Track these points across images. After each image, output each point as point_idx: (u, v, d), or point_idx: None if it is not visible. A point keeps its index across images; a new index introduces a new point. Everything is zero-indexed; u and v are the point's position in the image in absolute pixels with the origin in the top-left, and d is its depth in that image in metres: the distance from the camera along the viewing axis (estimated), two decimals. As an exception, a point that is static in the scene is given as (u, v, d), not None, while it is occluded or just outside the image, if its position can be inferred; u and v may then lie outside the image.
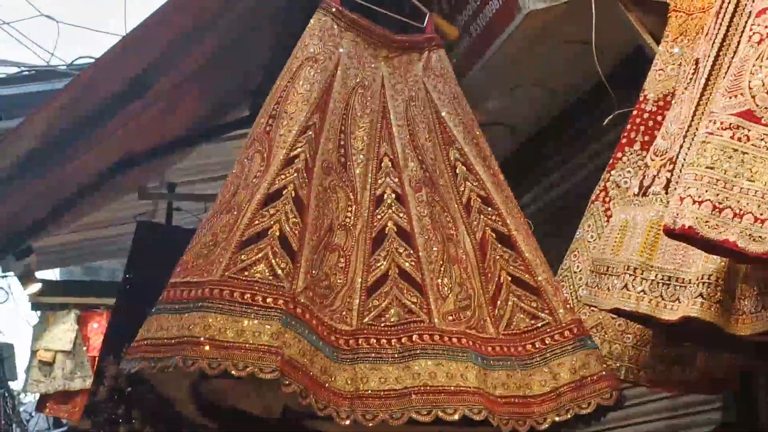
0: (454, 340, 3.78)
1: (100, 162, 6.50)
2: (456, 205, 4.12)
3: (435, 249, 3.94)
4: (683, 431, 5.03)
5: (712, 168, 3.11)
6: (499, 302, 3.99)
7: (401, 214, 3.98)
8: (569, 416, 3.83)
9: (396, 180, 4.05)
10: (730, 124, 3.12)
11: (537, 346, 3.93)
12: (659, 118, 4.40)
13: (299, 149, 3.88)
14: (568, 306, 4.04)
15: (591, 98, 5.33)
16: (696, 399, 4.88)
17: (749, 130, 3.10)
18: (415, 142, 4.16)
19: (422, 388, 3.66)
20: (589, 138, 5.55)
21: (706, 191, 3.09)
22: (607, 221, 4.40)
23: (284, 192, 3.79)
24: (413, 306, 3.81)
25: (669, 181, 3.68)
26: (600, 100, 4.92)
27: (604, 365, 3.94)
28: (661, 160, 3.78)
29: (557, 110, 6.00)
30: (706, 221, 3.06)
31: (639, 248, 3.67)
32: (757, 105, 3.11)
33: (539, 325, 3.97)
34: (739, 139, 3.10)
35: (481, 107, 4.88)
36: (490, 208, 4.13)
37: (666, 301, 3.57)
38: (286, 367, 3.51)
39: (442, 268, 3.91)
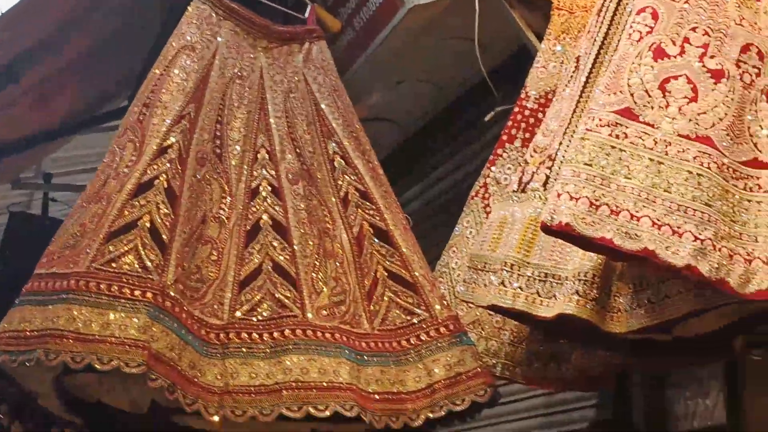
0: (327, 335, 3.67)
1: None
2: (333, 199, 4.00)
3: (311, 243, 3.82)
4: (558, 428, 4.97)
5: (589, 165, 3.04)
6: (374, 297, 3.88)
7: (277, 207, 3.85)
8: (443, 413, 3.75)
9: (273, 172, 3.92)
10: (609, 121, 3.06)
11: (412, 342, 3.84)
12: (540, 115, 4.34)
13: (173, 139, 3.74)
14: (444, 302, 3.95)
15: (476, 94, 5.24)
16: (572, 396, 4.82)
17: (627, 128, 3.04)
18: (293, 135, 4.04)
19: (293, 383, 3.54)
20: (473, 134, 5.46)
21: (584, 188, 3.02)
22: (486, 217, 4.33)
23: (156, 182, 3.65)
24: (286, 300, 3.69)
25: (548, 177, 3.61)
26: (485, 96, 4.85)
27: (479, 362, 3.87)
28: (540, 156, 3.72)
29: (443, 105, 5.83)
30: (583, 218, 2.99)
31: (516, 244, 3.60)
32: (636, 103, 3.05)
33: (415, 321, 3.87)
34: (617, 137, 3.04)
35: (366, 101, 4.76)
36: (368, 203, 4.02)
37: (542, 298, 3.51)
38: (153, 361, 3.36)
39: (317, 263, 3.80)
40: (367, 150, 4.15)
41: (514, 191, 3.76)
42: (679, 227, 2.93)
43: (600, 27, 3.71)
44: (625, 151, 3.03)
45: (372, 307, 3.86)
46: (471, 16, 4.50)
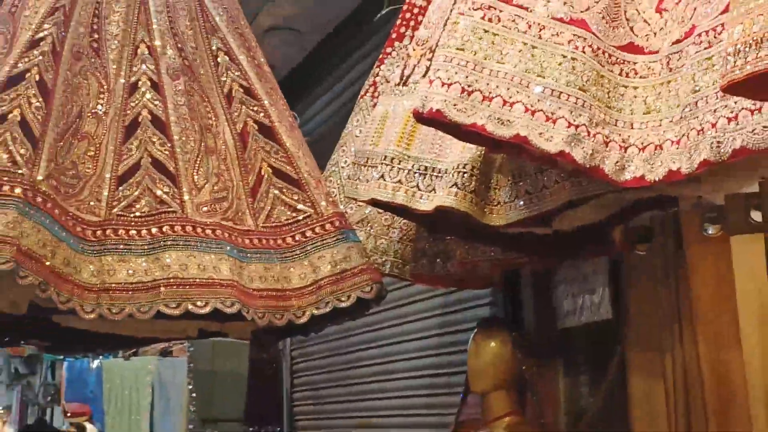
0: (208, 231, 3.44)
1: None
2: (217, 96, 3.75)
3: (191, 139, 3.57)
4: (454, 326, 4.81)
5: (462, 50, 2.83)
6: (259, 194, 3.65)
7: (156, 102, 3.59)
8: (328, 309, 3.55)
9: (152, 67, 3.65)
10: (482, 4, 2.85)
11: (297, 238, 3.62)
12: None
13: (46, 31, 3.46)
14: (330, 199, 3.74)
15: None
16: (466, 295, 4.67)
17: (501, 11, 2.84)
18: (174, 30, 3.76)
19: (172, 280, 3.31)
20: (376, 42, 5.21)
21: (456, 73, 2.81)
22: (360, 115, 4.13)
23: (27, 75, 3.37)
24: (165, 196, 3.45)
25: (428, 69, 3.38)
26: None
27: (366, 258, 3.67)
28: (422, 49, 3.49)
29: (345, 13, 5.59)
30: (455, 104, 2.78)
31: (396, 138, 3.39)
32: (510, -15, 2.83)
33: (300, 217, 3.66)
34: (490, 20, 2.83)
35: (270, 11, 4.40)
36: (252, 99, 3.78)
37: (422, 192, 3.31)
38: (23, 257, 3.11)
39: (198, 159, 3.56)
40: (252, 47, 3.90)
41: (396, 85, 3.55)
42: (552, 113, 2.73)
43: None
44: (498, 35, 2.82)
45: (256, 204, 3.63)
46: None
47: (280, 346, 7.32)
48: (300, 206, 3.66)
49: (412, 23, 4.13)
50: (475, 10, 2.84)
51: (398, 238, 3.94)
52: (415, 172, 3.33)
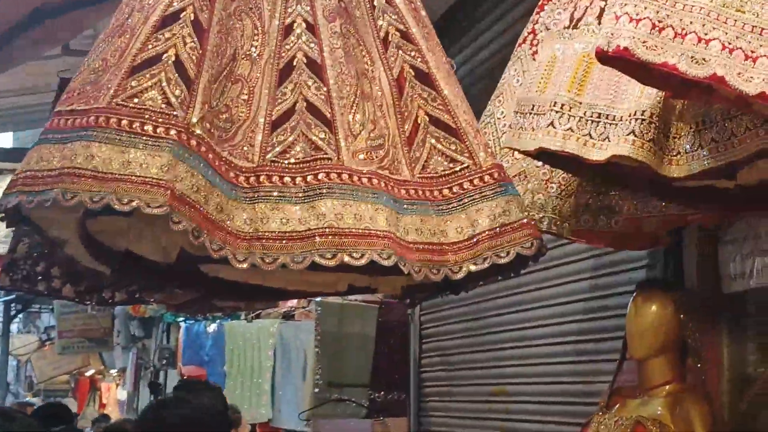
0: (365, 180, 3.27)
1: (10, 12, 5.82)
2: (373, 39, 3.57)
3: (347, 84, 3.40)
4: (605, 290, 4.58)
5: (654, -19, 2.59)
6: (415, 143, 3.47)
7: (312, 45, 3.43)
8: (486, 265, 3.36)
9: (308, 8, 3.48)
10: (676, -68, 2.60)
11: (455, 190, 3.43)
12: (594, -44, 3.88)
13: None
14: (489, 150, 3.54)
15: None
16: (619, 257, 4.43)
17: (695, -61, 2.59)
18: (331, -29, 3.59)
19: (327, 229, 3.15)
20: None
21: (645, 8, 2.59)
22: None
23: (182, 15, 3.24)
24: (320, 142, 3.28)
25: (602, 10, 3.17)
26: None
27: (525, 213, 3.47)
28: (595, -11, 3.27)
29: None
30: (644, 41, 2.56)
31: (567, 83, 3.18)
32: None
33: (457, 168, 3.47)
34: (684, -50, 2.58)
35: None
36: (409, 44, 3.59)
37: (595, 140, 3.10)
38: (177, 202, 2.99)
39: (354, 104, 3.38)
40: (408, -11, 3.71)
41: (565, 28, 3.33)
42: (753, 51, 2.50)
43: None
44: (692, -35, 2.58)
45: (412, 154, 3.45)
46: None
47: (408, 310, 7.17)
48: (458, 157, 3.47)
49: (574, -33, 3.90)
50: (668, -62, 2.61)
51: (557, 193, 3.72)
52: (588, 119, 3.11)
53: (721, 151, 2.87)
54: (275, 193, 3.20)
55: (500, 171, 3.48)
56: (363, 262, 3.12)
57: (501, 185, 3.45)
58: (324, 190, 3.20)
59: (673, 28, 2.55)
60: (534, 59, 3.91)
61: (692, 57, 2.52)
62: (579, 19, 3.26)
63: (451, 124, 3.50)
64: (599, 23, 3.16)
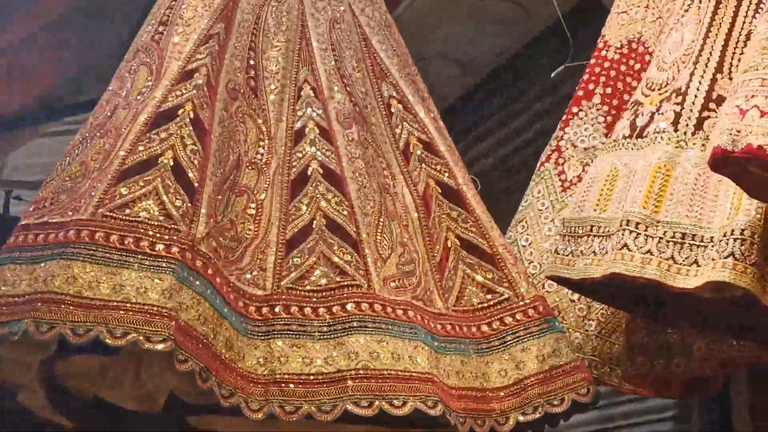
0: (399, 312, 2.71)
1: None
2: (392, 150, 3.07)
3: (370, 199, 2.88)
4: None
5: (786, 70, 2.16)
6: (447, 271, 2.94)
7: (328, 153, 2.90)
8: (537, 415, 2.81)
9: (320, 111, 2.97)
10: (807, 15, 2.18)
11: (495, 326, 2.90)
12: (623, 67, 3.50)
13: (200, 61, 2.80)
14: (530, 280, 3.02)
15: (542, 45, 4.26)
16: (636, 408, 3.92)
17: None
18: (341, 71, 3.09)
19: (361, 372, 2.57)
20: (541, 88, 4.48)
21: (780, 100, 2.14)
22: (561, 185, 3.46)
23: (180, 112, 2.70)
24: (346, 266, 2.72)
25: (678, 115, 2.73)
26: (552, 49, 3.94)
27: (576, 354, 2.95)
28: (661, 93, 2.85)
29: (516, 46, 4.72)
30: (782, 139, 2.10)
31: (641, 199, 2.70)
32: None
33: (495, 301, 2.94)
34: (821, 36, 2.16)
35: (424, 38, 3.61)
36: (433, 156, 3.09)
37: (680, 265, 2.61)
38: (182, 336, 2.40)
39: (380, 223, 2.85)
40: (426, 97, 3.23)
41: (625, 137, 2.88)
42: None
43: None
44: (833, 53, 2.16)
45: (444, 283, 2.92)
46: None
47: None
48: (496, 287, 2.94)
49: (602, 79, 3.49)
50: (799, 22, 2.19)
51: (596, 332, 3.22)
52: (669, 241, 2.63)
53: None
54: (295, 327, 2.61)
55: (544, 304, 2.96)
56: (406, 411, 2.54)
57: (547, 320, 2.92)
58: (354, 324, 2.63)
59: (816, 125, 2.11)
60: (560, 180, 3.47)
61: (844, 159, 2.08)
62: (645, 127, 2.82)
63: (486, 249, 2.99)
64: (675, 129, 2.72)
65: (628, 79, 3.49)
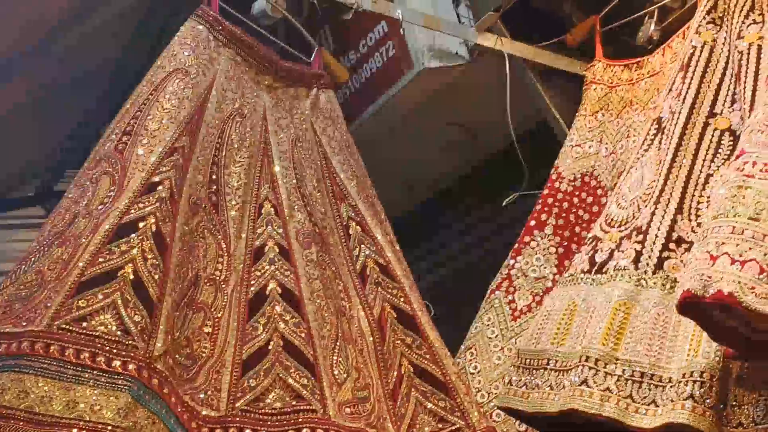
0: (355, 440, 2.68)
1: None
2: (348, 272, 3.06)
3: (327, 321, 2.85)
4: None
5: (756, 219, 2.21)
6: (399, 397, 2.92)
7: (287, 273, 2.87)
8: None
9: (280, 231, 2.95)
10: (778, 166, 2.24)
11: (446, 457, 2.87)
12: (575, 200, 3.56)
13: (164, 174, 2.77)
14: (482, 410, 3.01)
15: (493, 170, 4.28)
16: None
17: (802, 176, 2.22)
18: (302, 190, 3.09)
19: None
20: (489, 211, 4.48)
21: (750, 249, 2.18)
22: (512, 314, 3.46)
23: (142, 225, 2.65)
24: (302, 390, 2.68)
25: (639, 253, 2.76)
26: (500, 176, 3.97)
27: (526, 489, 2.93)
28: (621, 231, 2.87)
29: (466, 167, 4.70)
30: (752, 288, 2.14)
31: (601, 335, 2.70)
32: (811, 146, 2.25)
33: (447, 430, 2.91)
34: (790, 186, 2.21)
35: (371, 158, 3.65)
36: (390, 280, 3.08)
37: (638, 404, 2.61)
38: None
39: (336, 346, 2.82)
40: (383, 220, 3.24)
41: (584, 272, 2.89)
42: None
43: (689, 84, 2.95)
44: (802, 204, 2.21)
45: (397, 410, 2.89)
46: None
47: None
48: (448, 417, 2.92)
49: (555, 210, 3.53)
50: (769, 172, 2.24)
51: (541, 464, 3.20)
52: (627, 378, 2.63)
53: (810, 428, 2.44)
54: None
55: (494, 435, 2.95)
56: None
57: (496, 453, 2.91)
58: None
59: (785, 274, 2.14)
60: (511, 308, 3.48)
61: (813, 311, 2.11)
62: (604, 263, 2.84)
63: (440, 376, 2.97)
64: (636, 267, 2.75)
65: (580, 212, 3.54)
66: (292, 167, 3.11)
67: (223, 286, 2.80)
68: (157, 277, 2.59)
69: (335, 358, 2.79)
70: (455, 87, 3.83)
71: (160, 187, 2.73)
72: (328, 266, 2.99)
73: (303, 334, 2.77)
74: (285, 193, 3.03)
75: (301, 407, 2.65)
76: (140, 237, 2.62)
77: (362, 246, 3.10)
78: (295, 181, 3.08)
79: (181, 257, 2.71)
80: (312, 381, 2.70)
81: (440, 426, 2.91)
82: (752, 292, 2.13)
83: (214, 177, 2.95)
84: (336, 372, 2.77)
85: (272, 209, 2.99)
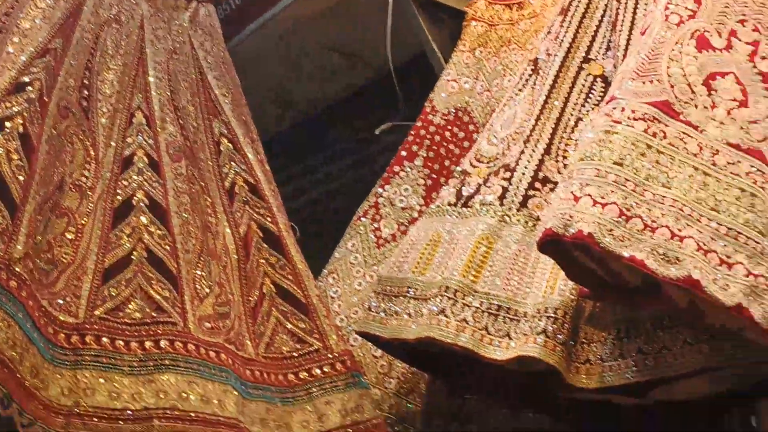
0: (212, 354, 2.69)
1: None
2: (217, 189, 3.04)
3: (193, 236, 2.85)
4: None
5: (619, 164, 2.28)
6: (259, 316, 2.93)
7: (155, 185, 2.85)
8: (334, 469, 2.83)
9: (150, 141, 2.92)
10: (645, 114, 2.31)
11: (302, 376, 2.91)
12: (447, 134, 3.61)
13: (34, 75, 2.71)
14: (340, 333, 3.05)
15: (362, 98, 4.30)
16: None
17: (667, 126, 2.31)
18: (176, 103, 3.06)
19: (168, 411, 2.53)
20: (357, 142, 4.50)
21: (612, 192, 2.24)
22: (376, 241, 3.51)
23: (8, 125, 2.60)
24: (163, 302, 2.68)
25: (505, 190, 2.82)
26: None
27: (378, 411, 2.99)
28: (489, 167, 2.93)
29: (343, 92, 4.74)
30: (611, 230, 2.20)
31: (462, 267, 2.76)
32: (677, 97, 2.33)
33: (305, 351, 2.95)
34: (655, 135, 2.30)
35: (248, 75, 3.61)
36: (258, 199, 3.08)
37: (492, 336, 2.69)
38: None
39: (200, 261, 2.83)
40: (255, 139, 3.23)
41: (450, 205, 2.95)
42: (728, 256, 2.19)
43: (567, 29, 3.01)
44: (663, 153, 2.28)
45: (257, 328, 2.91)
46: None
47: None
48: (306, 338, 2.96)
49: (427, 142, 3.58)
50: (636, 120, 2.30)
51: (395, 390, 3.27)
52: (484, 311, 2.71)
53: (651, 365, 2.53)
54: (104, 359, 2.56)
55: (352, 359, 2.99)
56: (209, 455, 2.52)
57: (353, 375, 2.96)
58: (166, 362, 2.59)
59: (642, 219, 2.22)
60: (376, 236, 3.53)
61: (664, 254, 2.19)
62: (470, 197, 2.89)
63: (301, 298, 3.00)
64: (501, 203, 2.81)
65: (451, 146, 3.59)
66: (167, 79, 3.07)
67: (89, 193, 2.77)
68: (21, 178, 2.54)
69: (198, 272, 2.79)
70: (337, 11, 3.82)
71: (29, 88, 2.67)
72: (197, 181, 2.98)
73: (168, 247, 2.76)
74: (158, 104, 3.00)
75: (161, 319, 2.66)
76: (6, 137, 2.57)
77: (232, 163, 3.10)
78: (169, 93, 3.05)
79: (47, 161, 2.66)
80: (173, 294, 2.70)
81: (298, 346, 2.95)
82: (610, 234, 2.20)
83: (86, 82, 2.90)
84: (198, 286, 2.77)
85: (144, 119, 2.95)
